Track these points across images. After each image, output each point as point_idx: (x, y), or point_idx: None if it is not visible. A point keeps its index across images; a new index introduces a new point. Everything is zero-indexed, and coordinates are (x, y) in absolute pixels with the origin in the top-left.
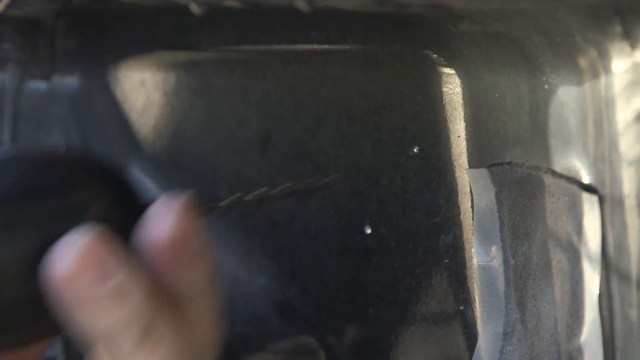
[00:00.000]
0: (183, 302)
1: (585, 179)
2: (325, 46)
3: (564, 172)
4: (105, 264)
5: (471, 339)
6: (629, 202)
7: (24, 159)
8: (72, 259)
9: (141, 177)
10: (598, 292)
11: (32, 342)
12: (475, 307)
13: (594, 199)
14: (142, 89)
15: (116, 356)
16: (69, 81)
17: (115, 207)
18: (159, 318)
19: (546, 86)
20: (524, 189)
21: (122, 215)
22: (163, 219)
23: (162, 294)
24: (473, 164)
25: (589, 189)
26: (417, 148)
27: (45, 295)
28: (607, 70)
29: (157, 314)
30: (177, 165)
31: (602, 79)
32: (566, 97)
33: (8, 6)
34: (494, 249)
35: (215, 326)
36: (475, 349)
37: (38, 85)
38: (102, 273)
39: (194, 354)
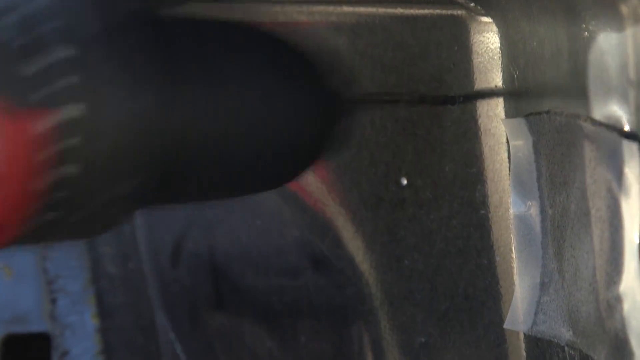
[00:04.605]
0: None
1: (626, 126)
2: None
3: (604, 120)
4: None
5: (508, 290)
6: None
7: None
8: None
9: None
10: (638, 240)
11: None
12: (512, 258)
13: (635, 146)
14: None
15: None
16: None
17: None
18: None
19: (586, 33)
20: (562, 137)
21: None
22: None
23: None
24: (510, 113)
25: (629, 136)
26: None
27: None
28: None
29: None
30: None
31: None
32: (606, 44)
33: None
34: (531, 198)
35: None
36: (513, 300)
37: None
38: None
39: None
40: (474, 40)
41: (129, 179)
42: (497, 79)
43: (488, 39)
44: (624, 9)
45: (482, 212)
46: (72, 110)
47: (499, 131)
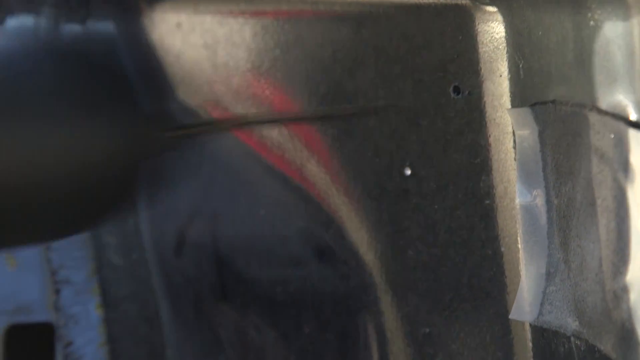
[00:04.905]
0: None
1: (632, 115)
2: None
3: (610, 109)
4: None
5: (513, 281)
6: None
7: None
8: None
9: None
10: None
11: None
12: (518, 248)
13: None
14: (179, 32)
15: None
16: (104, 24)
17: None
18: None
19: (591, 22)
20: (568, 127)
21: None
22: None
23: None
24: (516, 103)
25: (635, 125)
26: (454, 86)
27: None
28: None
29: None
30: (214, 106)
31: None
32: (612, 33)
33: None
34: (536, 188)
35: None
36: (518, 290)
37: (73, 28)
38: None
39: None
40: (479, 29)
41: None
42: (502, 69)
43: (493, 29)
44: None
45: (487, 202)
46: None
47: (504, 121)
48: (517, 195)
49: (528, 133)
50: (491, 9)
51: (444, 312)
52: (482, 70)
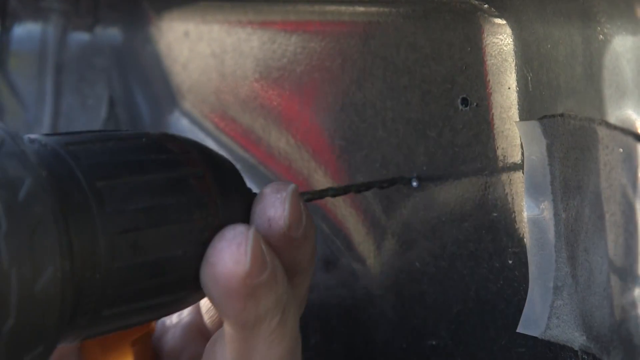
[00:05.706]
0: (294, 274)
1: None
2: None
3: (619, 124)
4: (264, 255)
5: (520, 294)
6: None
7: (136, 137)
8: (247, 257)
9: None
10: None
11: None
12: (525, 262)
13: None
14: (186, 40)
15: (258, 337)
16: (112, 32)
17: (216, 183)
18: (289, 295)
19: (601, 36)
20: (576, 141)
21: (221, 190)
22: (278, 206)
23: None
24: (524, 116)
25: None
26: (462, 98)
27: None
28: None
29: (288, 291)
30: (221, 116)
31: None
32: (622, 47)
33: None
34: (544, 202)
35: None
36: (525, 304)
37: (81, 36)
38: (263, 264)
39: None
40: (487, 41)
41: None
42: (510, 81)
43: (501, 41)
44: (639, 11)
45: (494, 214)
46: None
47: (512, 133)
48: (525, 208)
49: (536, 146)
50: (500, 21)
51: (451, 324)
52: (491, 83)
